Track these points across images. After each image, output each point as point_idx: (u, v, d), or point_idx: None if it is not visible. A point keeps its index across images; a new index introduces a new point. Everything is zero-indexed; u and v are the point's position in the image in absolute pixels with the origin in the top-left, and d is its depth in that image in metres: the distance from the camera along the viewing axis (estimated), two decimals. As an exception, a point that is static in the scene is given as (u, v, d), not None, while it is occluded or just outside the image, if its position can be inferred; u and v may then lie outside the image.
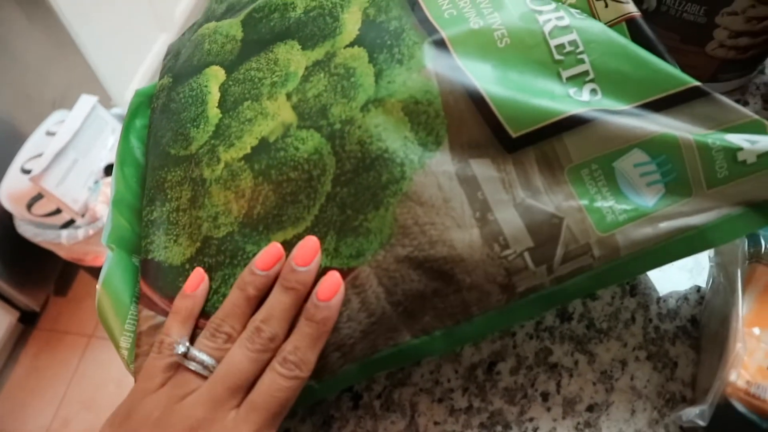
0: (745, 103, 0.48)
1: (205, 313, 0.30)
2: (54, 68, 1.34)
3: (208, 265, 0.31)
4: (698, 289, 0.37)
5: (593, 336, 0.36)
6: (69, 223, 1.17)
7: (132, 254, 0.34)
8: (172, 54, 0.43)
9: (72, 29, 1.35)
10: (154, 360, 0.28)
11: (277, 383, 0.27)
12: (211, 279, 0.31)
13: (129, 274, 0.33)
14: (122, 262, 0.33)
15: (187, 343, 0.28)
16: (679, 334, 0.35)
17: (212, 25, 0.41)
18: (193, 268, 0.31)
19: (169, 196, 0.33)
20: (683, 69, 0.47)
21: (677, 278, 0.38)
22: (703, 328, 0.35)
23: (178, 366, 0.28)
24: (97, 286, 0.32)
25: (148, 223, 0.33)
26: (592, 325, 0.36)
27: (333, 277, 0.28)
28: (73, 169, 1.15)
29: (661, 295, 0.37)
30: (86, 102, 1.20)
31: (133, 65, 1.63)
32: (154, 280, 0.32)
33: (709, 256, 0.37)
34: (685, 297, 0.37)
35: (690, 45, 0.44)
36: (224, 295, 0.30)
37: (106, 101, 1.47)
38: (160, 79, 0.41)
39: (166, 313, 0.30)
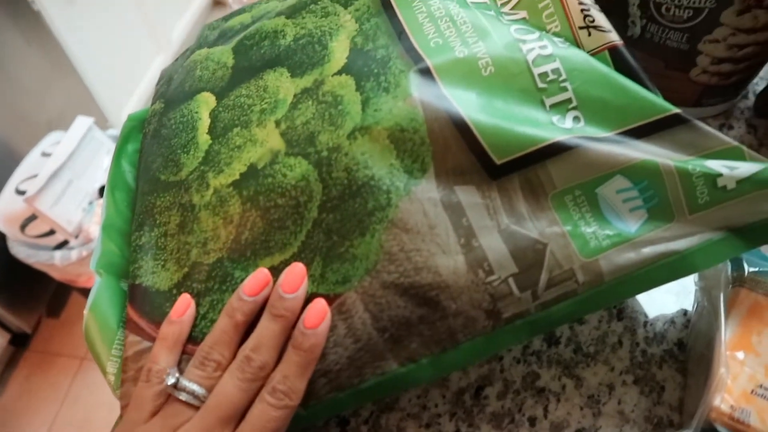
0: (730, 128, 0.48)
1: (192, 339, 0.30)
2: (51, 89, 1.35)
3: (197, 291, 0.31)
4: (685, 312, 0.37)
5: (580, 360, 0.36)
6: (63, 244, 1.17)
7: (121, 279, 0.35)
8: (165, 79, 0.44)
9: (69, 51, 1.36)
10: (143, 389, 0.28)
11: (267, 413, 0.27)
12: (199, 305, 0.31)
13: (117, 299, 0.33)
14: (110, 287, 0.34)
15: (177, 373, 0.28)
16: (666, 358, 0.36)
17: (204, 51, 0.41)
18: (180, 293, 0.31)
19: (157, 222, 0.34)
20: (668, 94, 0.48)
21: (664, 302, 0.38)
22: (689, 351, 0.35)
23: (168, 395, 0.28)
24: (85, 311, 0.32)
25: (137, 248, 0.33)
26: (579, 349, 0.36)
27: (319, 304, 0.29)
28: (68, 191, 1.15)
29: (648, 318, 0.37)
30: (82, 123, 1.21)
31: (129, 87, 1.64)
32: (141, 306, 0.32)
33: (694, 280, 0.38)
34: (671, 320, 0.37)
35: (674, 71, 0.45)
36: (212, 321, 0.30)
37: (103, 123, 1.48)
38: (152, 105, 0.42)
39: (152, 339, 0.30)
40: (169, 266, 0.32)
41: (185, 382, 0.27)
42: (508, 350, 0.36)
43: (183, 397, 0.27)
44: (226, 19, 0.45)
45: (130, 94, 1.64)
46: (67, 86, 1.39)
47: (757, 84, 0.51)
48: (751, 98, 0.51)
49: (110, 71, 1.53)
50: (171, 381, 0.27)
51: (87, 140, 1.20)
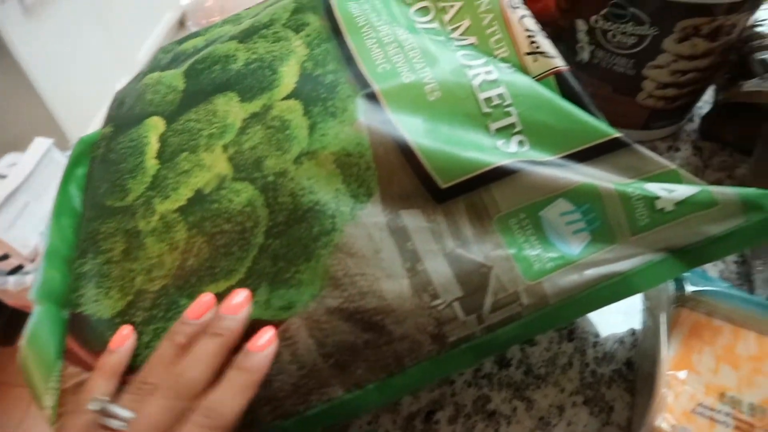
0: (677, 150, 0.50)
1: (133, 370, 0.30)
2: (9, 110, 1.32)
3: (141, 319, 0.30)
4: (633, 332, 0.38)
5: (531, 382, 0.36)
6: (17, 269, 1.13)
7: (62, 308, 0.34)
8: (117, 103, 0.43)
9: (28, 69, 1.33)
10: (73, 418, 0.27)
11: None
12: (142, 333, 0.30)
13: (57, 329, 0.32)
14: (51, 317, 0.33)
15: (107, 400, 0.27)
16: (615, 378, 0.36)
17: (156, 75, 0.41)
18: (123, 321, 0.31)
19: (101, 248, 0.33)
20: (618, 118, 0.49)
21: (613, 321, 0.39)
22: (637, 370, 0.36)
23: (98, 425, 0.27)
24: (21, 343, 0.31)
25: (79, 276, 0.33)
26: (530, 371, 0.36)
27: (268, 331, 0.28)
28: (24, 213, 1.12)
29: (597, 339, 0.38)
30: (40, 145, 1.18)
31: (93, 108, 1.62)
32: (82, 335, 0.31)
33: (641, 300, 0.38)
34: (621, 340, 0.38)
35: (622, 95, 0.46)
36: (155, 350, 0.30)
37: (64, 144, 1.45)
38: (102, 128, 0.41)
39: (93, 370, 0.30)
40: (112, 294, 0.32)
41: (115, 409, 0.26)
42: (459, 374, 0.36)
43: (114, 424, 0.26)
44: (179, 42, 0.45)
45: (94, 116, 1.61)
46: (26, 106, 1.36)
47: (702, 107, 0.53)
48: (697, 121, 0.52)
49: (73, 91, 1.51)
50: (95, 406, 0.26)
51: (45, 162, 1.18)
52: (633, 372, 0.36)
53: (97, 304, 0.31)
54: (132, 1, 1.77)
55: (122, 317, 0.31)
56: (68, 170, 0.41)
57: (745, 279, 0.40)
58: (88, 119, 1.59)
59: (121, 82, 1.72)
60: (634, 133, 0.49)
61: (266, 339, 0.28)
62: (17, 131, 1.34)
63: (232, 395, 0.26)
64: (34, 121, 1.38)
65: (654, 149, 0.49)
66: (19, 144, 1.30)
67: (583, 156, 0.30)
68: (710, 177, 0.47)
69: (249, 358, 0.27)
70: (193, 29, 0.63)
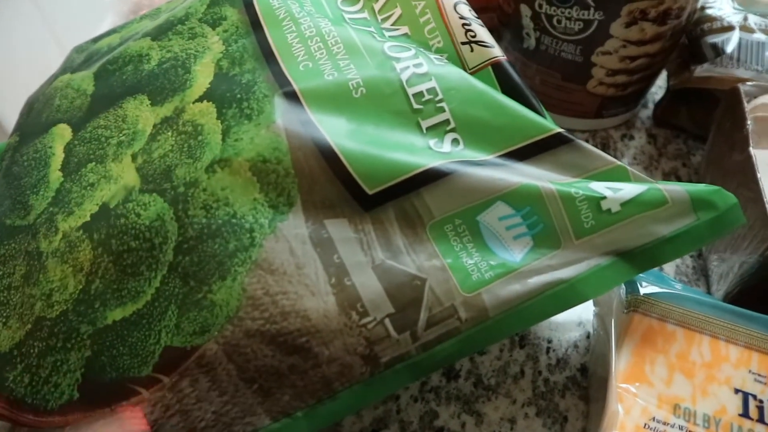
0: (631, 138, 0.48)
1: (33, 408, 0.26)
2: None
3: (38, 350, 0.27)
4: (587, 335, 0.36)
5: (481, 394, 0.34)
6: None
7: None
8: (27, 109, 0.39)
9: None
10: None
11: None
12: (39, 367, 0.27)
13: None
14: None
15: None
16: (569, 385, 0.34)
17: (66, 77, 0.37)
18: (22, 354, 0.27)
19: (0, 273, 0.30)
20: (569, 106, 0.47)
21: (567, 324, 0.37)
22: (591, 377, 0.34)
23: None
24: None
25: (-27, 307, 0.29)
26: (479, 382, 0.34)
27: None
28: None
29: (550, 344, 0.36)
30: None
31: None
32: (-26, 375, 0.28)
33: (593, 303, 0.36)
34: (575, 344, 0.36)
35: (571, 83, 0.44)
36: (56, 385, 0.27)
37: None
38: (10, 137, 0.37)
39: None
40: (11, 323, 0.28)
41: None
42: (405, 388, 0.34)
43: None
44: (95, 40, 0.42)
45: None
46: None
47: (656, 93, 0.51)
48: (651, 107, 0.51)
49: (18, 91, 1.44)
50: None
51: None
52: (587, 378, 0.34)
53: None
54: (80, -4, 1.70)
55: (20, 349, 0.28)
56: (-27, 185, 0.38)
57: (702, 274, 0.39)
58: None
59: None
60: (587, 122, 0.47)
61: None
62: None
63: None
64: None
65: (608, 138, 0.47)
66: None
67: (522, 154, 0.28)
68: (666, 166, 0.46)
69: None
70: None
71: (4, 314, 0.29)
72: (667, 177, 0.45)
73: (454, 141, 0.28)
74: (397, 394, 0.34)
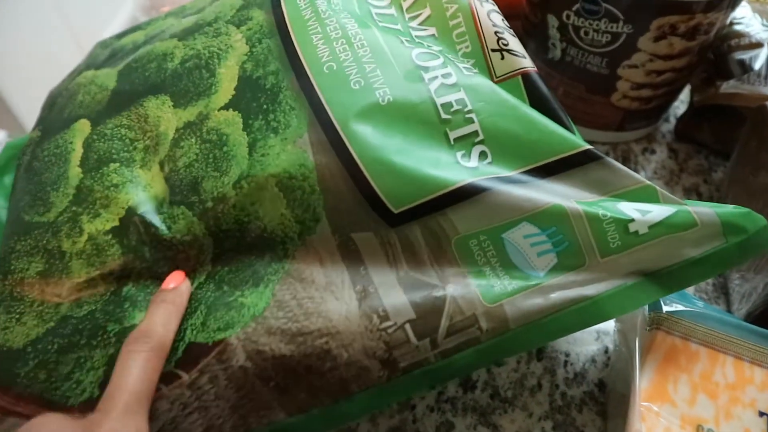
0: (652, 152, 0.48)
1: (49, 402, 0.26)
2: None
3: (59, 346, 0.27)
4: (606, 349, 0.36)
5: (497, 406, 0.33)
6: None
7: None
8: (49, 103, 0.39)
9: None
10: None
11: (128, 358, 0.24)
12: (59, 363, 0.27)
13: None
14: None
15: None
16: (586, 400, 0.34)
17: (90, 74, 0.37)
18: (37, 350, 0.27)
19: (14, 268, 0.30)
20: (592, 118, 0.47)
21: (585, 338, 0.36)
22: (609, 393, 0.33)
23: None
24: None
25: (-8, 302, 0.29)
26: (496, 394, 0.34)
27: (177, 273, 0.28)
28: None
29: (568, 357, 0.35)
30: (-5, 138, 1.13)
31: (53, 97, 1.55)
32: (-11, 370, 0.28)
33: (614, 321, 0.36)
34: (592, 359, 0.35)
35: (596, 95, 0.44)
36: (78, 382, 0.27)
37: (21, 134, 1.39)
38: (32, 131, 0.37)
39: (4, 411, 0.26)
40: (26, 320, 0.28)
41: None
42: (420, 398, 0.34)
43: None
44: (119, 36, 0.42)
45: (55, 106, 1.55)
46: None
47: (678, 107, 0.51)
48: (673, 121, 0.50)
49: (30, 81, 1.44)
50: None
51: None
52: (605, 394, 0.34)
53: (7, 332, 0.28)
54: (95, -14, 1.70)
55: (35, 345, 0.28)
56: (-7, 179, 0.38)
57: (722, 292, 0.38)
58: (50, 110, 1.52)
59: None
60: (609, 134, 0.47)
61: (177, 278, 0.27)
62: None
63: (160, 322, 0.26)
64: (-11, 113, 1.32)
65: (629, 151, 0.47)
66: (-27, 137, 1.24)
67: (550, 169, 0.28)
68: (686, 181, 0.45)
69: (165, 293, 0.27)
70: (143, 19, 0.59)
71: (18, 311, 0.29)
72: (687, 192, 0.44)
73: (482, 154, 0.28)
74: (413, 404, 0.34)
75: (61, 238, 0.29)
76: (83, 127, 0.33)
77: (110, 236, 0.29)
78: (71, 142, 0.32)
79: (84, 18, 1.66)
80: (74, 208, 0.30)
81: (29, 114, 1.43)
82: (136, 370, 0.24)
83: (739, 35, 0.43)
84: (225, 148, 0.28)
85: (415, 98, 0.28)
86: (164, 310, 0.26)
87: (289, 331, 0.26)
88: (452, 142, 0.28)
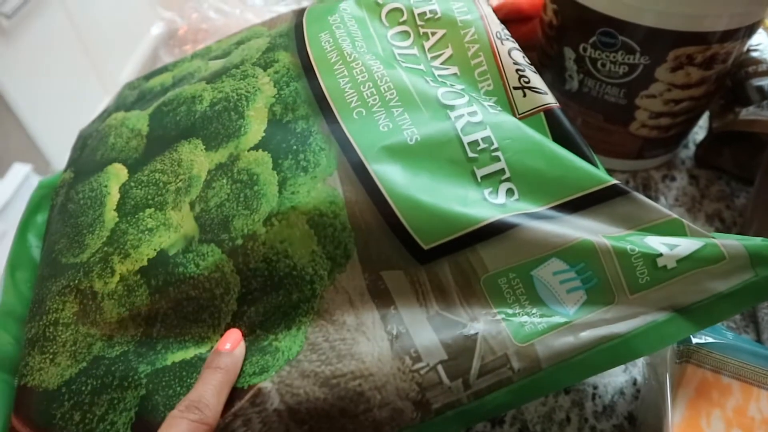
0: (672, 179, 0.48)
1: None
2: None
3: (92, 387, 0.28)
4: (634, 381, 0.36)
5: (527, 441, 0.33)
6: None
7: (16, 376, 0.31)
8: (80, 144, 0.41)
9: (8, 93, 1.30)
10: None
11: (179, 425, 0.24)
12: (93, 405, 0.27)
13: (8, 401, 0.29)
14: (3, 388, 0.30)
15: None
16: (617, 434, 0.33)
17: (120, 115, 0.38)
18: (71, 392, 0.28)
19: (47, 308, 0.30)
20: (610, 147, 0.47)
21: (613, 370, 0.36)
22: (640, 426, 0.33)
23: None
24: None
25: (27, 343, 0.30)
26: (525, 428, 0.34)
27: (234, 333, 0.28)
28: (2, 243, 1.09)
29: (596, 390, 0.35)
30: (18, 171, 1.15)
31: (74, 130, 1.58)
32: (27, 411, 0.28)
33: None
34: (621, 391, 0.35)
35: (614, 125, 0.44)
36: (112, 423, 0.27)
37: (45, 169, 1.41)
38: (64, 172, 0.38)
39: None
40: (59, 360, 0.29)
41: None
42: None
43: None
44: (147, 77, 0.43)
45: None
46: (4, 130, 1.33)
47: (697, 133, 0.51)
48: (692, 147, 0.50)
49: (53, 114, 1.47)
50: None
51: (24, 189, 1.14)
52: (635, 426, 0.34)
53: (42, 373, 0.29)
54: (112, 21, 1.74)
55: (69, 386, 0.28)
56: (26, 217, 0.39)
57: (750, 321, 0.38)
58: (70, 143, 1.55)
59: (102, 105, 1.69)
60: (628, 162, 0.47)
61: (233, 339, 0.27)
62: (-5, 156, 1.30)
63: (212, 392, 0.25)
64: (13, 146, 1.35)
65: (649, 179, 0.47)
66: (-2, 170, 1.27)
67: (577, 205, 0.28)
68: (709, 208, 0.45)
69: (220, 358, 0.27)
70: (165, 58, 0.61)
71: (51, 350, 0.29)
72: (710, 219, 0.44)
73: (509, 191, 0.28)
74: (442, 439, 0.33)
75: (92, 279, 0.30)
76: (119, 172, 0.33)
77: (138, 276, 0.29)
78: (106, 186, 0.33)
79: (104, 51, 1.70)
80: (106, 248, 0.31)
81: (51, 147, 1.45)
82: None
83: (757, 62, 0.44)
84: (255, 187, 0.29)
85: (442, 137, 0.29)
86: (219, 379, 0.26)
87: (323, 374, 0.26)
88: (479, 180, 0.28)
